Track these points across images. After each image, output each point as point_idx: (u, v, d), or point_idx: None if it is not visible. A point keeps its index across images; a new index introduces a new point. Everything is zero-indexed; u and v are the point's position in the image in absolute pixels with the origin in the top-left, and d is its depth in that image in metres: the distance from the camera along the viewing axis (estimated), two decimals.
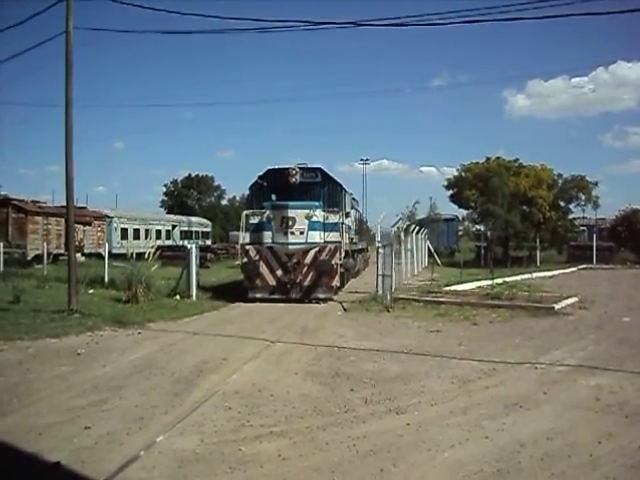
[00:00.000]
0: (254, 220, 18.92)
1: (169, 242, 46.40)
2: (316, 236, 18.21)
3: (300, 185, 18.83)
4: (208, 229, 62.82)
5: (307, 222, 18.07)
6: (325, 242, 18.30)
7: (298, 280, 17.72)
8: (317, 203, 18.52)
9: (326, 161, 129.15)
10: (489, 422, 6.08)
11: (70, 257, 14.69)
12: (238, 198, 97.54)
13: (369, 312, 15.18)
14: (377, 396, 7.12)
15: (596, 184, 44.71)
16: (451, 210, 51.68)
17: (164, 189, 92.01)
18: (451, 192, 47.05)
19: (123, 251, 27.57)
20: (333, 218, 18.97)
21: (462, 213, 50.45)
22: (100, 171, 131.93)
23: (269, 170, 19.47)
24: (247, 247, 18.29)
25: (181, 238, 51.41)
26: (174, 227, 52.65)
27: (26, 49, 16.93)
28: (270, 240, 18.23)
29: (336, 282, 18.39)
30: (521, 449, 5.31)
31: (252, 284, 17.92)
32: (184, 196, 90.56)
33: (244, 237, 18.73)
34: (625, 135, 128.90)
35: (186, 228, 55.27)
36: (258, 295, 17.69)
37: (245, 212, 19.45)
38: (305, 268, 17.75)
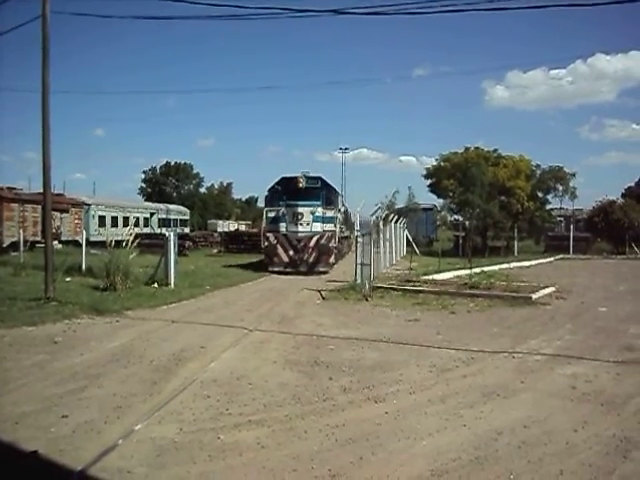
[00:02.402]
0: (271, 214, 25.26)
1: (147, 230, 46.02)
2: (318, 226, 24.52)
3: (306, 189, 24.82)
4: (186, 217, 62.62)
5: (311, 216, 24.47)
6: (324, 231, 24.48)
7: (305, 258, 24.18)
8: (318, 202, 24.81)
9: (306, 150, 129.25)
10: (467, 410, 6.14)
11: (47, 244, 14.50)
12: (216, 186, 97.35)
13: (348, 301, 15.20)
14: (356, 384, 7.15)
15: (574, 175, 45.45)
16: (430, 199, 51.73)
17: (143, 176, 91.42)
18: (430, 182, 47.22)
19: (101, 239, 27.39)
20: (329, 213, 25.24)
21: (440, 203, 50.57)
22: (78, 158, 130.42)
23: (283, 178, 25.53)
24: (267, 234, 24.68)
25: (159, 226, 51.07)
26: (152, 215, 52.29)
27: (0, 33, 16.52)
28: (284, 229, 24.52)
29: (332, 259, 24.80)
30: (499, 437, 5.37)
31: (271, 261, 24.37)
32: (162, 184, 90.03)
33: (265, 227, 25.11)
34: (602, 127, 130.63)
35: (164, 216, 54.95)
36: (275, 269, 23.87)
37: (265, 209, 26.16)
38: (310, 249, 24.17)
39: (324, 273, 23.34)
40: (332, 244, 24.43)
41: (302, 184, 24.87)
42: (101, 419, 5.80)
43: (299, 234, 24.37)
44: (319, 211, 24.67)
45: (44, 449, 4.47)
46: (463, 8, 13.44)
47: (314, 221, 24.54)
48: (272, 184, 25.98)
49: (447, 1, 13.53)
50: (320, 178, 25.89)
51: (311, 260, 24.15)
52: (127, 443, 5.20)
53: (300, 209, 24.52)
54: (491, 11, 13.76)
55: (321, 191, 25.46)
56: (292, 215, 24.58)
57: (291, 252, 24.19)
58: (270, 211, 25.48)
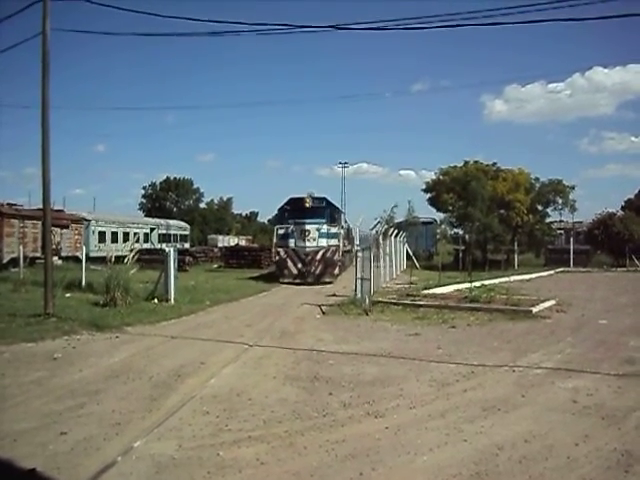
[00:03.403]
0: (281, 231, 28.26)
1: (147, 245, 45.95)
2: (323, 241, 27.37)
3: (312, 208, 27.84)
4: (186, 232, 62.52)
5: (317, 232, 27.32)
6: (329, 245, 27.24)
7: (312, 270, 26.79)
8: (323, 220, 27.78)
9: (305, 164, 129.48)
10: (467, 425, 6.11)
11: (47, 260, 14.49)
12: (216, 201, 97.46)
13: (348, 315, 15.17)
14: (356, 400, 7.12)
15: (573, 188, 45.22)
16: (429, 213, 51.60)
17: (143, 192, 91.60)
18: (429, 195, 47.18)
19: (101, 254, 27.43)
20: (333, 229, 28.08)
21: (440, 216, 50.51)
22: (78, 174, 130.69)
23: (291, 199, 28.72)
24: (278, 249, 27.60)
25: (159, 241, 50.96)
26: (152, 230, 52.19)
27: (1, 50, 16.59)
28: (293, 244, 27.36)
29: (336, 271, 27.44)
30: (499, 452, 5.34)
31: (282, 273, 27.10)
32: (162, 199, 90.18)
33: (275, 243, 27.96)
34: (601, 140, 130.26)
35: (164, 231, 54.81)
36: (286, 280, 26.43)
37: (276, 226, 29.33)
38: (317, 262, 26.85)
39: (329, 283, 25.77)
40: (336, 257, 27.19)
41: (309, 204, 27.94)
42: (100, 436, 5.78)
43: (307, 249, 27.07)
44: (324, 228, 27.51)
45: (42, 466, 4.44)
46: (460, 23, 13.52)
47: (320, 237, 27.37)
48: (282, 204, 29.24)
49: (445, 17, 13.60)
50: (325, 198, 29.06)
51: (317, 272, 26.83)
52: (126, 460, 5.18)
53: (307, 226, 27.35)
54: (489, 25, 13.84)
55: (325, 210, 28.44)
56: (300, 232, 27.41)
57: (300, 265, 26.87)
58: (280, 228, 28.47)
